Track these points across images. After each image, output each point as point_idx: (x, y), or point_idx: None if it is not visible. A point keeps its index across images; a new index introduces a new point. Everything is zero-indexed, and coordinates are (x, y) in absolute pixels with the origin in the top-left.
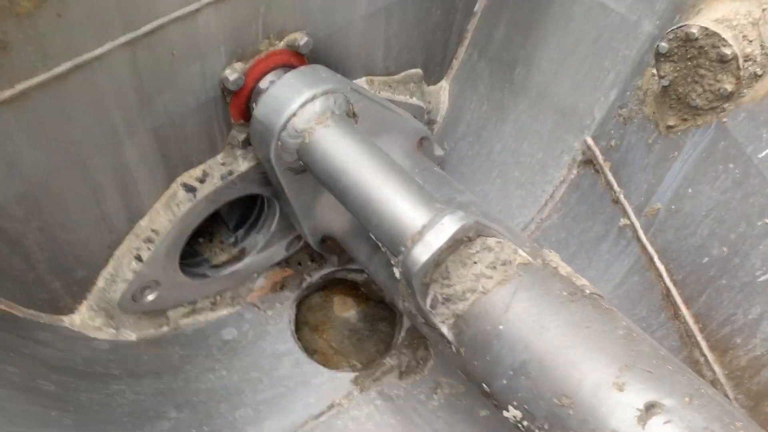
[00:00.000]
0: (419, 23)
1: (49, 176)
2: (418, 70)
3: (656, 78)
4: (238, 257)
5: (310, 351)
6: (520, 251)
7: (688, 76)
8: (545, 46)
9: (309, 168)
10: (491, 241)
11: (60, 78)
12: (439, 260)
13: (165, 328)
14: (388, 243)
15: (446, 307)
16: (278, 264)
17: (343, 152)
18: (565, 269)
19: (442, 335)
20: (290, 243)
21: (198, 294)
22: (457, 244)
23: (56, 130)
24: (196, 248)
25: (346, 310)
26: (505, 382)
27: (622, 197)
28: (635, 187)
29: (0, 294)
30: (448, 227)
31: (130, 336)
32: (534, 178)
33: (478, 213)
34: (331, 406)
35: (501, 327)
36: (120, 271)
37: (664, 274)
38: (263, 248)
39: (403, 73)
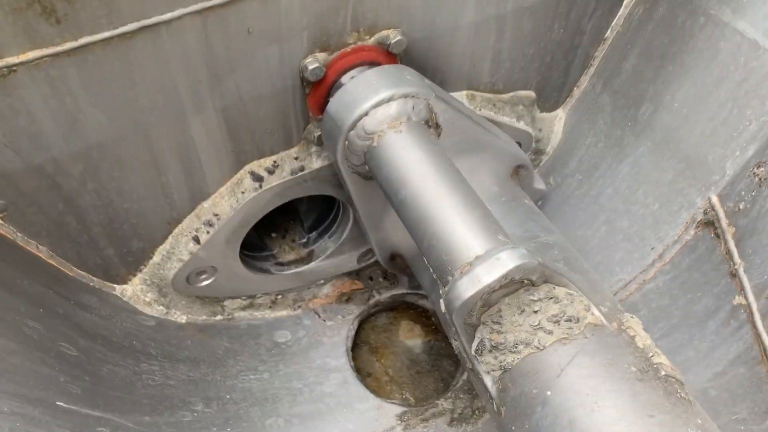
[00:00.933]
0: (537, 40)
1: (110, 139)
2: (530, 93)
3: None
4: (306, 259)
5: (363, 373)
6: (594, 309)
7: None
8: (679, 83)
9: (374, 174)
10: (560, 291)
11: (125, 38)
12: (490, 300)
13: (219, 317)
14: (437, 270)
15: (493, 356)
16: (348, 275)
17: (409, 161)
18: (643, 340)
19: (485, 387)
20: (362, 255)
21: (258, 289)
22: (515, 285)
23: (120, 93)
24: (266, 242)
25: (411, 338)
26: None
27: (741, 271)
28: (760, 262)
29: (53, 250)
30: (503, 263)
31: (180, 318)
32: (644, 231)
33: (559, 258)
34: None
35: (549, 393)
36: (177, 250)
37: None
38: (332, 255)
39: (511, 93)
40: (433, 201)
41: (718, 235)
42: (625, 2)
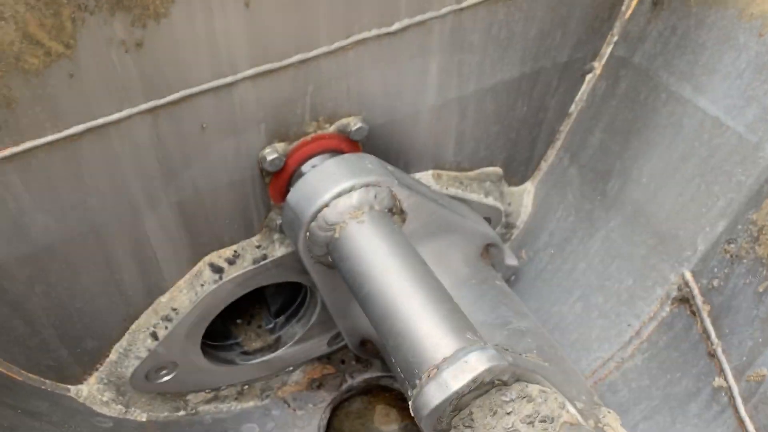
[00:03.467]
0: (500, 119)
1: (58, 241)
2: (497, 169)
3: None
4: (273, 346)
5: None
6: (569, 407)
7: None
8: (645, 159)
9: (337, 267)
10: (533, 390)
11: (71, 140)
12: (460, 404)
13: (182, 413)
14: (404, 371)
15: None
16: (318, 359)
17: (372, 254)
18: None
19: None
20: (333, 338)
21: (222, 381)
22: (486, 387)
23: (67, 195)
24: (231, 329)
25: (387, 423)
26: None
27: (719, 351)
28: (738, 343)
29: (0, 355)
30: (472, 367)
31: (140, 416)
32: (620, 308)
33: (533, 346)
34: None
35: None
36: (134, 347)
37: None
38: (301, 340)
39: (478, 170)
40: (397, 297)
41: (694, 312)
42: (587, 78)
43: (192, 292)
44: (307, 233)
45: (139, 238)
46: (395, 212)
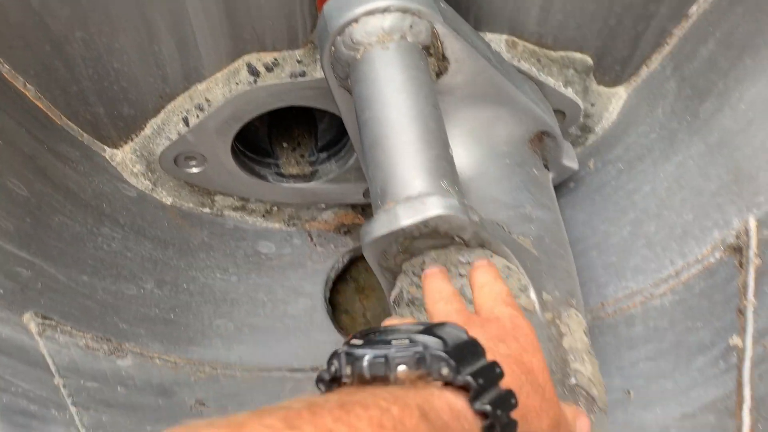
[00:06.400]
0: None
1: None
2: (586, 58)
3: None
4: (307, 177)
5: (341, 309)
6: (531, 293)
7: None
8: (752, 82)
9: (351, 90)
10: (497, 262)
11: None
12: (412, 248)
13: (207, 210)
14: (373, 204)
15: (410, 311)
16: (353, 207)
17: (384, 81)
18: (573, 342)
19: None
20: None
21: (251, 193)
22: (443, 240)
23: None
24: (276, 149)
25: None
26: None
27: (750, 310)
28: None
29: (41, 92)
30: (425, 208)
31: (165, 198)
32: (669, 242)
33: (531, 234)
34: (314, 369)
35: None
36: (167, 127)
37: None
38: (336, 180)
39: (563, 52)
40: (391, 129)
41: (741, 265)
42: None
43: (227, 88)
44: (332, 48)
45: (179, 11)
46: (433, 54)
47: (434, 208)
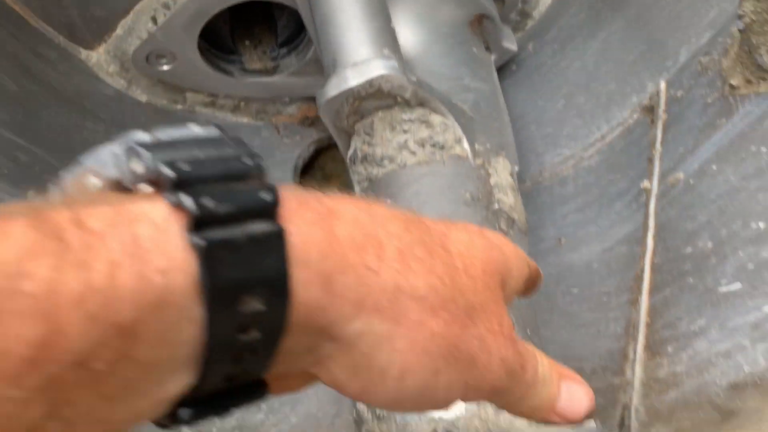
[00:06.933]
0: None
1: None
2: None
3: None
4: (270, 72)
5: None
6: (465, 143)
7: (766, 23)
8: None
9: None
10: (435, 119)
11: None
12: (362, 110)
13: (179, 106)
14: (326, 72)
15: (363, 168)
16: (315, 100)
17: None
18: (498, 179)
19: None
20: None
21: (220, 89)
22: (388, 100)
23: None
24: (239, 47)
25: None
26: None
27: (657, 157)
28: (673, 149)
29: None
30: (369, 70)
31: (141, 96)
32: (596, 110)
33: (468, 100)
34: None
35: (391, 203)
36: (137, 27)
37: (648, 254)
38: (297, 73)
39: None
40: (338, 6)
41: (653, 121)
42: None
43: None
44: None
45: None
46: None
47: (377, 69)
